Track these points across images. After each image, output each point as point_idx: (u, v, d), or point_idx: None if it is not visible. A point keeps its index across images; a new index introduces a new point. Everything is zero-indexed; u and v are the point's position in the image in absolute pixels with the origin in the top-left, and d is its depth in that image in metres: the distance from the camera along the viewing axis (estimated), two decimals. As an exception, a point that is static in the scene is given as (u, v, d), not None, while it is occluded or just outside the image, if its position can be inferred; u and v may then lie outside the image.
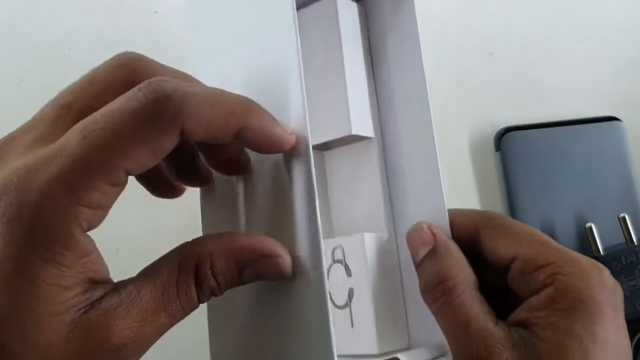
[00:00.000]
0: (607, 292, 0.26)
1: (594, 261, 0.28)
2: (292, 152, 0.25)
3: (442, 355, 0.30)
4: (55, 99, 0.24)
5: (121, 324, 0.21)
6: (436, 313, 0.28)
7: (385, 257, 0.31)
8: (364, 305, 0.29)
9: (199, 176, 0.28)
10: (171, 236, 0.48)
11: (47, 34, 0.49)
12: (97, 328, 0.20)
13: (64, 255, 0.20)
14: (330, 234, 0.33)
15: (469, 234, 0.30)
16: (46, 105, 0.24)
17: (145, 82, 0.21)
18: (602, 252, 0.48)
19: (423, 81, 0.30)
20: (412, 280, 0.30)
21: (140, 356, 0.22)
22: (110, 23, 0.50)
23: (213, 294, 0.23)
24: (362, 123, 0.31)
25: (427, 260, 0.28)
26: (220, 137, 0.23)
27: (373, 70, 0.33)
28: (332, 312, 0.29)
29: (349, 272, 0.30)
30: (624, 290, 0.46)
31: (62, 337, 0.20)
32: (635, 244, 0.48)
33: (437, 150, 0.30)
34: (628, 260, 0.46)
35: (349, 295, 0.30)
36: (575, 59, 0.57)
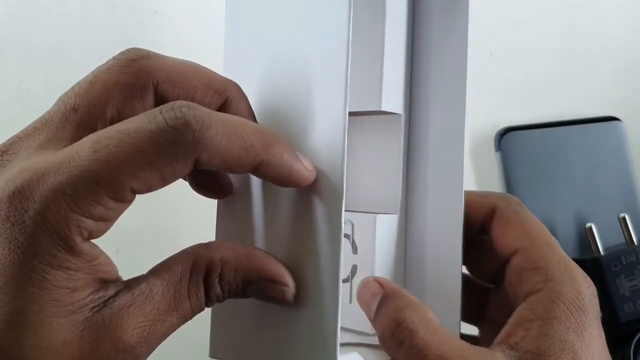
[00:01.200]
0: (595, 305, 0.26)
1: (584, 273, 0.27)
2: (312, 186, 0.24)
3: None
4: (60, 100, 0.23)
5: (134, 322, 0.21)
6: None
7: (394, 240, 0.31)
8: None
9: (219, 188, 0.27)
10: (171, 236, 0.48)
11: (47, 34, 0.49)
12: (111, 327, 0.20)
13: (69, 260, 0.20)
14: None
15: (484, 214, 0.29)
16: (52, 108, 0.23)
17: (169, 105, 0.21)
18: (602, 252, 0.48)
19: (464, 69, 0.29)
20: (415, 266, 0.30)
21: (148, 356, 0.22)
22: (110, 23, 0.50)
23: (217, 300, 0.23)
24: (392, 99, 0.31)
25: (379, 310, 0.26)
26: (236, 169, 0.22)
27: (413, 44, 0.32)
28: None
29: (354, 249, 0.30)
30: (625, 291, 0.46)
31: (76, 335, 0.20)
32: (636, 244, 0.48)
33: (464, 136, 0.29)
34: (628, 260, 0.46)
35: (351, 271, 0.30)
36: (576, 59, 0.57)
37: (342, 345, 0.24)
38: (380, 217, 0.30)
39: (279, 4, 0.27)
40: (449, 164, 0.30)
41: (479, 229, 0.30)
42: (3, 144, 0.23)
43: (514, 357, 0.24)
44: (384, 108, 0.30)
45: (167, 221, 0.47)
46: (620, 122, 0.53)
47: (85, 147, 0.20)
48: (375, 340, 0.29)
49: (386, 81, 0.30)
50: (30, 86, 0.48)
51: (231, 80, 0.26)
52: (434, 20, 0.31)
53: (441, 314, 0.27)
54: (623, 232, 0.48)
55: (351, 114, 0.31)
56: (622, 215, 0.48)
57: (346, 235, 0.30)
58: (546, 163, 0.52)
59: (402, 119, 0.31)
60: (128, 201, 0.21)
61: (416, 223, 0.31)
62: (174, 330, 0.22)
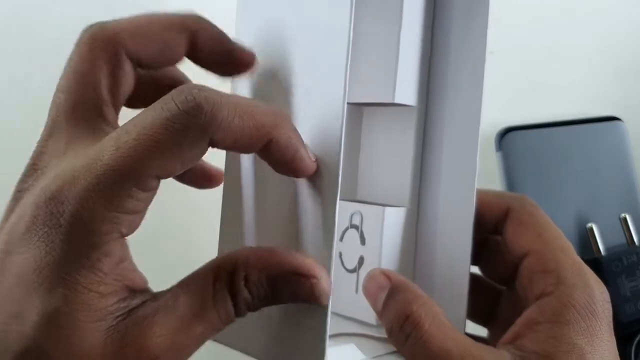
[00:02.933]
0: (607, 310, 0.26)
1: (598, 278, 0.27)
2: (311, 178, 0.25)
3: None
4: (54, 104, 0.24)
5: (157, 331, 0.21)
6: (410, 357, 0.25)
7: (403, 233, 0.31)
8: None
9: (207, 178, 0.28)
10: (171, 236, 0.48)
11: (47, 33, 0.49)
12: (134, 335, 0.21)
13: (101, 261, 0.20)
14: (353, 193, 0.33)
15: (498, 214, 0.29)
16: (51, 114, 0.24)
17: (179, 90, 0.21)
18: (603, 253, 0.48)
19: (483, 59, 0.30)
20: (424, 260, 0.30)
21: None
22: (110, 23, 0.50)
23: (249, 308, 0.23)
24: (406, 92, 0.30)
25: (387, 303, 0.26)
26: (246, 148, 0.23)
27: (432, 37, 0.31)
28: (340, 274, 0.29)
29: (362, 241, 0.30)
30: (625, 291, 0.46)
31: (100, 343, 0.20)
32: (637, 244, 0.47)
33: (479, 129, 0.29)
34: (629, 260, 0.46)
35: (359, 262, 0.30)
36: (576, 59, 0.57)
37: (340, 335, 0.24)
38: (389, 209, 0.30)
39: None
40: (463, 159, 0.30)
41: (493, 229, 0.29)
42: (31, 158, 0.24)
43: (519, 356, 0.24)
44: (397, 100, 0.30)
45: (167, 221, 0.47)
46: (621, 122, 0.53)
47: (107, 146, 0.21)
48: (376, 332, 0.29)
49: (401, 73, 0.29)
50: (30, 86, 0.48)
51: (192, 13, 0.26)
52: (454, 14, 0.31)
53: (447, 310, 0.27)
54: (624, 232, 0.48)
55: (365, 104, 0.31)
56: (623, 215, 0.48)
57: (355, 226, 0.31)
58: (547, 163, 0.51)
59: (416, 111, 0.31)
60: (154, 189, 0.21)
61: (427, 217, 0.31)
62: (204, 341, 0.22)
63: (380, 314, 0.27)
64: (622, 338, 0.46)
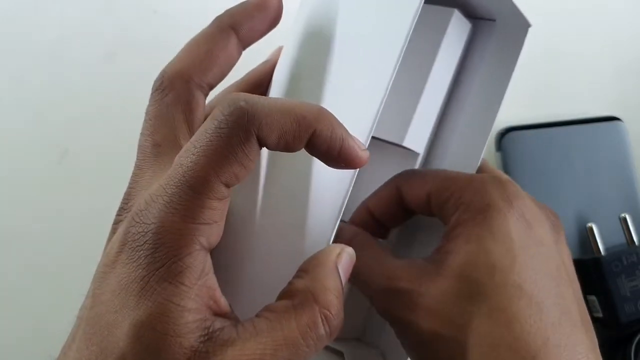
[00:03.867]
0: (505, 198, 0.28)
1: (496, 175, 0.30)
2: (316, 191, 0.25)
3: None
4: (142, 134, 0.27)
5: (238, 355, 0.21)
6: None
7: None
8: None
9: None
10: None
11: (47, 34, 0.49)
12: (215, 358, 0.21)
13: (183, 274, 0.21)
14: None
15: (391, 198, 0.32)
16: (140, 141, 0.27)
17: (222, 100, 0.23)
18: (602, 253, 0.48)
19: (490, 125, 0.31)
20: None
21: None
22: (110, 22, 0.50)
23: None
24: (416, 139, 0.32)
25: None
26: (293, 144, 0.23)
27: (454, 86, 0.33)
28: None
29: None
30: (625, 291, 0.46)
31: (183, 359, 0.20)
32: (636, 244, 0.47)
33: None
34: (629, 260, 0.46)
35: None
36: (576, 59, 0.57)
37: None
38: None
39: (347, 15, 0.27)
40: None
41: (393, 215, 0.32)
42: (125, 194, 0.26)
43: (430, 259, 0.28)
44: (405, 144, 0.31)
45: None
46: (621, 122, 0.53)
47: (176, 166, 0.22)
48: None
49: (416, 121, 0.31)
50: (30, 85, 0.48)
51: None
52: (476, 80, 0.32)
53: None
54: (624, 232, 0.48)
55: (374, 137, 0.32)
56: (622, 215, 0.48)
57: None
58: (547, 163, 0.51)
59: (419, 158, 0.32)
60: (226, 197, 0.22)
61: (401, 249, 0.34)
62: None
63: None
64: (622, 338, 0.46)
